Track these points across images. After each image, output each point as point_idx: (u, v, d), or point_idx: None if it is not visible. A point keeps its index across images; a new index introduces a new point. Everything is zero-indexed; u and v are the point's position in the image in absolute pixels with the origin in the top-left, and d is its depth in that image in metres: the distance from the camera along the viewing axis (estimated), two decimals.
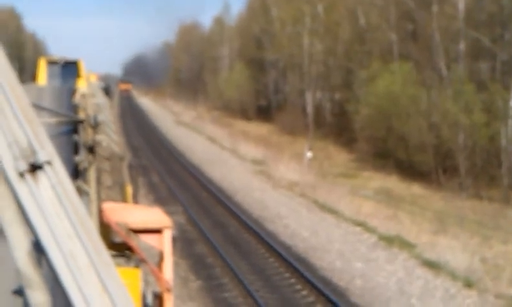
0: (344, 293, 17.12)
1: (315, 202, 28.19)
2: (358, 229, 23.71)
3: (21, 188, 2.59)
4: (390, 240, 21.95)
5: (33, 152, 2.62)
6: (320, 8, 64.82)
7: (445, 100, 39.39)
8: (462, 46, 41.81)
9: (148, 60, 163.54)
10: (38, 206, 2.57)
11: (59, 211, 2.59)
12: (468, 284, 17.79)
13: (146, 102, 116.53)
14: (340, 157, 48.37)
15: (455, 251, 20.67)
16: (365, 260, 20.06)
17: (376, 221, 24.60)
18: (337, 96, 62.42)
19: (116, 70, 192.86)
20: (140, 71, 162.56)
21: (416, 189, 36.41)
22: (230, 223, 24.53)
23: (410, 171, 40.24)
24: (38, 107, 5.97)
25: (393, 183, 37.72)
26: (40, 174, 2.62)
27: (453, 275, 18.51)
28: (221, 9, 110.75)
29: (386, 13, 49.85)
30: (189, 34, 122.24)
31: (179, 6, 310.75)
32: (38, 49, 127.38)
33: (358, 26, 55.42)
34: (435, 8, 43.34)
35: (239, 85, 79.80)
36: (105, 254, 2.62)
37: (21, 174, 2.59)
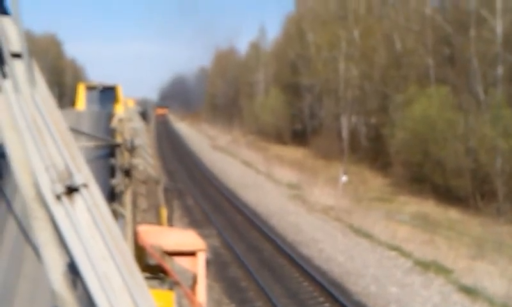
0: None
1: (350, 226, 28.11)
2: (394, 253, 23.56)
3: (57, 210, 2.64)
4: (426, 265, 21.79)
5: (70, 175, 2.67)
6: (356, 33, 65.04)
7: (482, 125, 38.98)
8: (500, 70, 41.46)
9: (185, 85, 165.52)
10: (73, 228, 2.62)
11: (94, 233, 2.63)
12: None
13: (182, 126, 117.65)
14: (375, 181, 48.10)
15: (493, 276, 20.45)
16: (401, 285, 19.92)
17: (412, 246, 24.41)
18: (373, 120, 62.26)
19: (153, 95, 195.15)
20: (176, 95, 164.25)
21: (453, 214, 35.98)
22: (264, 247, 24.57)
23: (447, 195, 39.79)
24: (76, 131, 6.17)
25: (429, 207, 37.35)
26: (76, 196, 2.68)
27: (491, 302, 18.29)
28: (257, 34, 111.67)
29: (422, 37, 49.74)
30: (225, 60, 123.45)
31: (216, 32, 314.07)
32: (78, 75, 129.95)
33: (394, 51, 55.37)
34: (473, 32, 43.12)
35: (274, 109, 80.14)
36: (139, 276, 2.65)
37: (58, 197, 2.65)
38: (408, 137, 44.58)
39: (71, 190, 2.66)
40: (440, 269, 21.37)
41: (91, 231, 2.63)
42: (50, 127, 2.74)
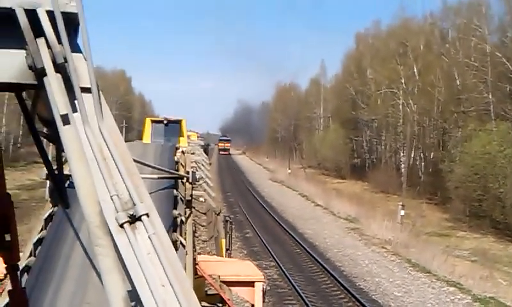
0: None
1: (408, 261, 27.92)
2: (452, 289, 23.32)
3: (120, 238, 2.71)
4: (485, 302, 21.55)
5: (133, 205, 2.76)
6: (415, 69, 64.87)
7: None
8: None
9: (247, 119, 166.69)
10: (135, 255, 2.69)
11: (154, 261, 2.70)
12: None
13: (243, 160, 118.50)
14: (433, 216, 47.49)
15: None
16: None
17: (471, 282, 24.11)
18: (432, 155, 61.68)
19: (216, 129, 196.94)
20: (239, 129, 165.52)
21: None
22: (321, 279, 24.65)
23: (507, 231, 39.07)
24: (141, 163, 6.33)
25: (488, 243, 36.72)
26: (139, 225, 2.74)
27: None
28: (318, 70, 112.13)
29: (482, 73, 49.33)
30: (286, 95, 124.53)
31: (278, 68, 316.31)
32: (145, 109, 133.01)
33: (453, 87, 54.96)
34: None
35: (333, 144, 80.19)
36: (196, 304, 2.70)
37: (121, 225, 2.72)
38: (466, 173, 44.03)
39: (134, 219, 2.74)
40: (500, 306, 21.10)
41: (151, 259, 2.69)
42: (115, 158, 2.84)
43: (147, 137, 27.23)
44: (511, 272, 28.49)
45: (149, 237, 2.72)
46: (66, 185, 3.86)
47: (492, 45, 50.50)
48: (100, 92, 2.97)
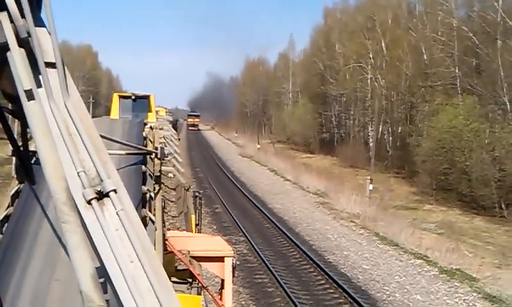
0: None
1: (376, 234, 28.25)
2: (419, 261, 23.66)
3: (88, 215, 2.66)
4: (451, 274, 21.89)
5: (100, 181, 2.71)
6: (383, 44, 65.18)
7: (508, 134, 38.94)
8: None
9: (216, 95, 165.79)
10: (103, 232, 2.65)
11: (122, 237, 2.66)
12: None
13: (212, 135, 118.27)
14: (401, 189, 48.09)
15: None
16: (426, 293, 20.03)
17: (437, 254, 24.49)
18: (399, 129, 62.30)
19: (185, 104, 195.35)
20: (208, 105, 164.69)
21: (478, 223, 35.93)
22: (291, 253, 24.85)
23: (472, 204, 39.76)
24: (108, 139, 6.25)
25: (455, 216, 37.35)
26: (106, 201, 2.70)
27: None
28: (286, 45, 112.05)
29: (449, 48, 49.76)
30: (254, 70, 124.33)
31: (246, 44, 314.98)
32: (112, 84, 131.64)
33: (420, 61, 55.40)
34: (499, 43, 43.09)
35: (302, 119, 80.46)
36: (165, 279, 2.67)
37: (88, 202, 2.68)
38: (433, 147, 44.59)
39: (101, 196, 2.69)
40: (465, 277, 21.48)
41: (119, 235, 2.65)
42: (81, 134, 2.79)
43: (115, 113, 26.95)
44: (476, 244, 29.03)
45: (117, 213, 2.68)
46: (32, 161, 3.79)
47: (459, 19, 50.93)
48: (66, 67, 2.89)
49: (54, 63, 2.84)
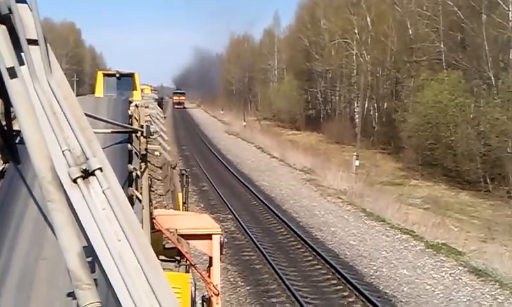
0: (390, 300, 17.32)
1: (363, 210, 28.37)
2: (405, 236, 23.80)
3: (73, 193, 2.67)
4: (437, 248, 22.06)
5: (86, 159, 2.70)
6: (368, 19, 65.04)
7: (493, 109, 39.13)
8: (511, 55, 41.50)
9: (201, 71, 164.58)
10: (89, 210, 2.65)
11: (109, 215, 2.66)
12: None
13: (198, 113, 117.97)
14: (387, 165, 48.31)
15: (503, 258, 20.66)
16: (412, 268, 20.19)
17: (423, 229, 24.65)
18: (385, 105, 62.45)
19: (170, 82, 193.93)
20: (193, 82, 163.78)
21: (464, 197, 36.21)
22: (278, 230, 24.92)
23: (458, 179, 40.06)
24: (93, 117, 6.19)
25: (440, 191, 37.60)
26: (92, 180, 2.69)
27: (501, 283, 18.52)
28: (271, 21, 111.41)
29: (434, 23, 49.76)
30: (240, 46, 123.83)
31: (231, 19, 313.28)
32: (96, 62, 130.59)
33: (406, 36, 55.38)
34: (484, 17, 43.13)
35: (288, 95, 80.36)
36: (153, 258, 2.68)
37: (74, 181, 2.67)
38: (419, 122, 44.76)
39: (87, 174, 2.68)
40: (451, 252, 21.65)
41: (106, 214, 2.66)
42: (66, 112, 2.77)
43: (99, 91, 26.77)
44: (461, 219, 29.26)
45: (103, 192, 2.67)
46: (17, 141, 3.73)
47: None
48: (48, 45, 2.84)
49: (36, 40, 2.80)
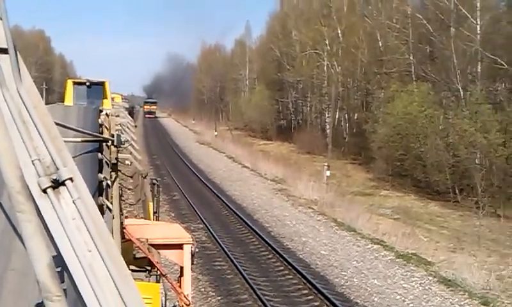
0: None
1: (334, 220, 28.45)
2: (376, 246, 23.94)
3: (43, 204, 2.63)
4: (407, 258, 22.20)
5: (56, 169, 2.66)
6: (339, 31, 65.55)
7: (462, 121, 39.64)
8: (479, 67, 42.12)
9: (173, 80, 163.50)
10: (59, 220, 2.62)
11: (79, 226, 2.63)
12: (485, 302, 18.01)
13: (169, 122, 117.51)
14: (358, 175, 48.61)
15: (472, 268, 20.83)
16: (383, 277, 20.28)
17: (394, 239, 24.81)
18: (356, 116, 62.91)
19: (141, 91, 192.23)
20: (165, 90, 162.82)
21: (433, 208, 36.55)
22: (249, 240, 24.88)
23: (427, 189, 40.48)
24: (63, 126, 6.12)
25: (410, 201, 37.94)
26: (62, 190, 2.66)
27: (470, 293, 18.68)
28: (243, 31, 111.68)
29: (404, 35, 50.35)
30: (211, 56, 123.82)
31: (202, 29, 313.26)
32: (66, 71, 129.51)
33: (376, 48, 55.93)
34: (453, 31, 43.75)
35: (259, 105, 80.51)
36: (124, 268, 2.65)
37: (44, 191, 2.63)
38: (389, 133, 45.15)
39: (57, 184, 2.65)
40: (421, 262, 21.80)
41: (76, 224, 2.63)
42: (35, 121, 2.74)
43: (69, 100, 26.50)
44: (431, 229, 29.52)
45: (74, 202, 2.64)
46: None
47: (413, 6, 51.60)
48: (18, 53, 2.81)
49: (6, 49, 2.77)
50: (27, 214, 2.61)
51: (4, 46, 2.77)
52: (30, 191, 2.63)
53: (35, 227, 2.60)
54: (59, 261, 2.62)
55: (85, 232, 2.62)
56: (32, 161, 2.67)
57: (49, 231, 2.62)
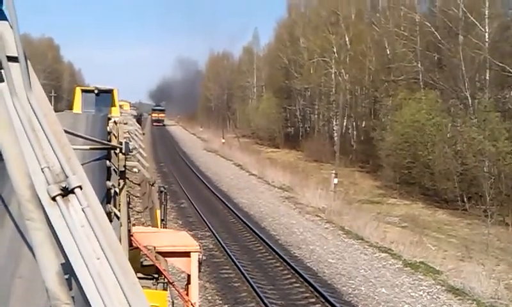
0: None
1: (341, 228, 28.42)
2: (384, 255, 23.89)
3: (53, 211, 2.64)
4: (415, 266, 22.15)
5: (65, 177, 2.68)
6: (347, 39, 65.56)
7: (470, 128, 39.53)
8: (487, 75, 42.02)
9: (181, 89, 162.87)
10: (68, 228, 2.63)
11: (88, 234, 2.64)
12: None
13: (177, 129, 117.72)
14: (365, 183, 48.49)
15: (480, 277, 20.72)
16: (390, 286, 20.24)
17: (401, 247, 24.73)
18: (363, 123, 62.82)
19: (148, 98, 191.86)
20: (172, 98, 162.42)
21: (441, 216, 36.41)
22: (257, 248, 24.86)
23: (435, 198, 40.32)
24: (72, 134, 6.14)
25: (418, 210, 37.79)
26: (71, 198, 2.68)
27: (478, 302, 18.65)
28: (251, 39, 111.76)
29: (412, 43, 50.31)
30: (219, 63, 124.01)
31: (211, 38, 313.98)
32: (75, 78, 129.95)
33: (384, 56, 55.89)
34: (461, 38, 43.68)
35: (266, 113, 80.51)
36: (132, 276, 2.67)
37: (53, 198, 2.65)
38: (397, 141, 45.04)
39: (66, 192, 2.67)
40: (429, 270, 21.75)
41: (85, 232, 2.64)
42: (45, 129, 2.76)
43: (77, 107, 26.61)
44: (439, 237, 29.39)
45: (83, 210, 2.65)
46: None
47: (421, 14, 51.51)
48: (28, 61, 2.84)
49: (17, 57, 2.79)
50: (36, 222, 2.64)
51: (15, 54, 2.79)
52: (39, 199, 2.65)
53: (44, 235, 2.63)
54: (67, 268, 2.63)
55: (94, 240, 2.63)
56: (42, 169, 2.68)
57: (58, 239, 2.64)
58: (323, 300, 18.25)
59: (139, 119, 54.27)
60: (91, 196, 2.73)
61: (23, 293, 4.44)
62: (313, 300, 18.61)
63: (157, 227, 15.85)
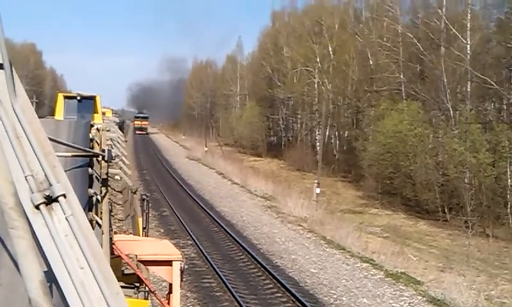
0: None
1: (323, 238, 28.41)
2: (365, 265, 23.88)
3: (36, 220, 2.63)
4: (396, 277, 22.18)
5: (49, 185, 2.67)
6: (330, 49, 65.89)
7: (451, 140, 39.87)
8: (469, 87, 42.42)
9: (164, 96, 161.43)
10: (51, 237, 2.62)
11: (72, 242, 2.64)
12: None
13: (159, 137, 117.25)
14: (347, 193, 48.64)
15: (461, 288, 20.80)
16: (372, 296, 20.21)
17: (383, 258, 24.78)
18: (346, 134, 63.09)
19: (131, 104, 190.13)
20: (154, 106, 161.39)
21: (422, 227, 36.60)
22: (239, 257, 24.78)
23: (417, 208, 40.58)
24: (54, 141, 6.09)
25: (400, 220, 37.97)
26: (55, 206, 2.67)
27: None
28: (234, 48, 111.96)
29: (394, 54, 50.67)
30: (202, 72, 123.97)
31: (193, 45, 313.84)
32: (57, 84, 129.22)
33: (366, 66, 56.23)
34: (443, 50, 44.07)
35: (249, 122, 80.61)
36: (115, 285, 2.66)
37: (36, 207, 2.64)
38: (379, 151, 45.28)
39: (50, 200, 2.66)
40: (410, 281, 21.78)
41: (69, 241, 2.63)
42: (30, 137, 2.75)
43: (59, 114, 26.47)
44: (420, 248, 29.53)
45: (66, 219, 2.65)
46: None
47: (404, 25, 51.99)
48: (13, 68, 2.83)
49: (1, 64, 2.78)
50: (20, 231, 2.61)
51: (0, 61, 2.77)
52: (23, 208, 2.64)
53: (28, 244, 2.61)
54: (51, 278, 2.62)
55: (77, 249, 2.63)
56: (26, 177, 2.66)
57: (41, 248, 2.62)
58: None
59: (121, 127, 54.12)
60: (76, 204, 2.72)
61: (3, 301, 4.40)
62: None
63: (139, 235, 15.78)
